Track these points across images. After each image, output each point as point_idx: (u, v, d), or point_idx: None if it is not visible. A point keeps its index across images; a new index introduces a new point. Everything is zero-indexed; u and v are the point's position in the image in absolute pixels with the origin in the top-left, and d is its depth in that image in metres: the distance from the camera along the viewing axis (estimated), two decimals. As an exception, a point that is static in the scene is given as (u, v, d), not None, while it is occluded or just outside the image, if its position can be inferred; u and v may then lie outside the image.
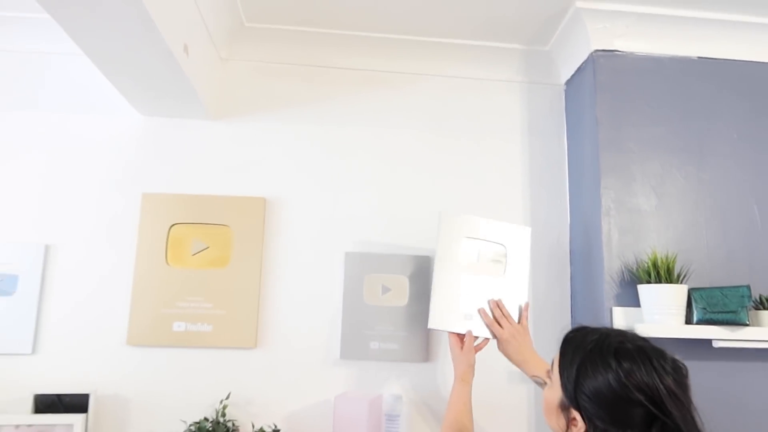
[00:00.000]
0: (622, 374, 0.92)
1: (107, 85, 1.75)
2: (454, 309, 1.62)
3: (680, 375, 0.96)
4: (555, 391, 1.03)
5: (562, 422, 1.01)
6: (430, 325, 1.61)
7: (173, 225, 1.86)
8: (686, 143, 1.81)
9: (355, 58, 2.02)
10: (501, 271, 1.67)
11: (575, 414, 0.98)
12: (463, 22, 1.90)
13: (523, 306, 1.65)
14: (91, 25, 1.39)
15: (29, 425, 1.57)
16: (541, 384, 1.19)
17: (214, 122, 1.95)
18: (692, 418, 0.93)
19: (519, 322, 1.62)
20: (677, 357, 0.98)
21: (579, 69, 1.94)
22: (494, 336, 1.59)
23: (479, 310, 1.62)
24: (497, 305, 1.62)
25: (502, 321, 1.60)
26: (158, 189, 1.89)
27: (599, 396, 0.94)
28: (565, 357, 1.02)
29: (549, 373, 1.09)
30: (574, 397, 0.98)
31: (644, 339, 1.01)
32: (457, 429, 1.42)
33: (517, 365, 1.56)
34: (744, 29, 1.83)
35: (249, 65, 2.01)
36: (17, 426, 1.57)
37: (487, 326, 1.61)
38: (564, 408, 1.00)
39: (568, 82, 2.04)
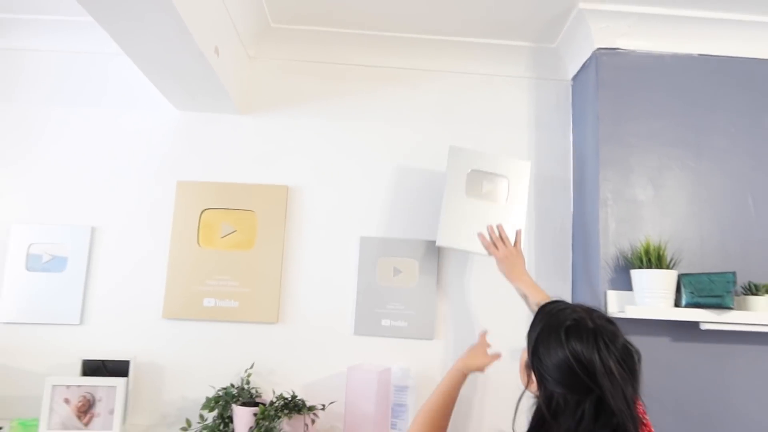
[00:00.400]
0: (567, 348, 1.04)
1: (146, 83, 1.94)
2: (461, 231, 1.85)
3: (628, 357, 1.04)
4: (525, 353, 1.17)
5: (525, 377, 1.15)
6: (439, 243, 1.85)
7: (204, 210, 2.04)
8: (684, 137, 1.90)
9: (372, 56, 2.16)
10: (503, 199, 1.89)
11: (532, 374, 1.11)
12: (474, 21, 2.01)
13: (516, 233, 1.86)
14: (134, 32, 1.56)
15: (78, 386, 1.78)
16: (527, 300, 1.67)
17: (243, 116, 2.12)
18: (624, 397, 1.00)
19: (514, 245, 1.83)
20: (630, 343, 1.06)
21: (583, 66, 2.04)
22: (491, 255, 1.82)
23: (478, 234, 1.84)
24: (495, 229, 1.85)
25: (498, 243, 1.82)
26: (191, 177, 2.07)
27: (549, 362, 1.06)
28: (533, 325, 1.15)
29: None
30: (532, 360, 1.11)
31: (608, 320, 1.10)
32: (434, 418, 1.47)
33: (510, 281, 1.77)
34: (742, 27, 1.90)
35: (274, 63, 2.17)
36: (68, 386, 1.77)
37: (485, 247, 1.83)
38: (527, 367, 1.13)
39: (575, 78, 2.14)
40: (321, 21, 2.07)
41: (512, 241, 1.84)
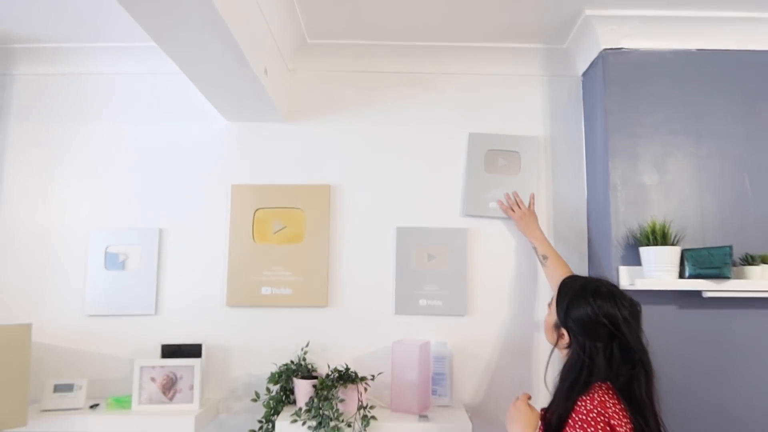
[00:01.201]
0: (594, 306, 1.39)
1: (197, 98, 2.21)
2: (483, 201, 2.29)
3: (634, 310, 1.41)
4: (552, 316, 1.50)
5: (555, 337, 1.47)
6: (466, 213, 2.29)
7: (257, 209, 2.30)
8: (685, 126, 2.10)
9: (399, 64, 2.39)
10: (516, 171, 2.30)
11: (563, 331, 1.44)
12: (491, 28, 2.22)
13: (530, 196, 2.26)
14: (197, 59, 1.80)
15: (162, 366, 2.06)
16: (534, 249, 2.13)
17: (286, 124, 2.37)
18: (638, 337, 1.37)
19: (528, 207, 2.23)
20: (634, 299, 1.42)
21: (592, 64, 2.24)
22: (510, 217, 2.25)
23: (498, 202, 2.27)
24: (511, 195, 2.26)
25: (515, 207, 2.23)
26: (244, 181, 2.33)
27: (579, 320, 1.41)
28: (560, 294, 1.49)
29: (549, 305, 1.54)
30: (564, 320, 1.44)
31: (614, 285, 1.47)
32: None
33: (527, 237, 2.18)
34: (736, 23, 2.09)
35: (312, 75, 2.41)
36: (153, 367, 2.06)
37: (504, 211, 2.25)
38: (557, 327, 1.47)
39: (584, 74, 2.35)
40: (352, 35, 2.30)
41: (527, 204, 2.25)
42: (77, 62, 2.41)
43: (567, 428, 1.34)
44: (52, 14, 2.13)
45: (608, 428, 1.28)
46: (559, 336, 1.46)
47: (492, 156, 2.32)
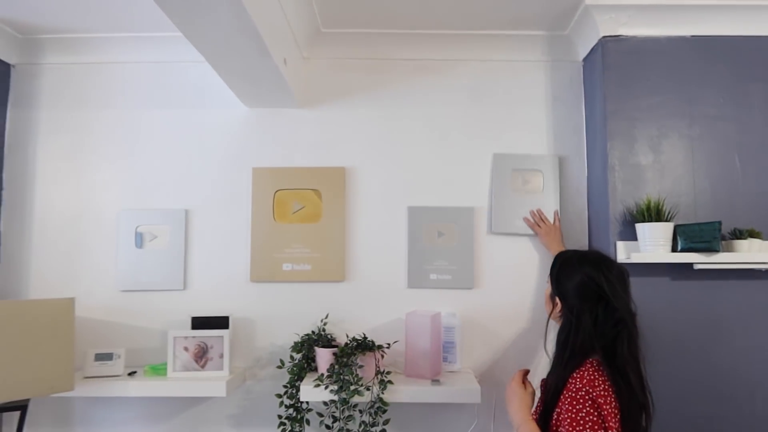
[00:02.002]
0: (581, 272, 1.55)
1: (217, 86, 2.34)
2: (510, 218, 2.42)
3: (621, 275, 1.56)
4: (548, 288, 1.65)
5: (551, 306, 1.62)
6: (494, 230, 2.42)
7: (277, 191, 2.45)
8: (679, 108, 2.23)
9: (409, 51, 2.51)
10: (539, 189, 2.42)
11: (557, 300, 1.59)
12: (496, 16, 2.34)
13: (554, 213, 2.41)
14: (222, 50, 1.92)
15: (194, 337, 2.23)
16: None
17: (302, 110, 2.50)
18: (625, 301, 1.52)
19: (553, 223, 2.39)
20: (623, 266, 1.60)
21: (592, 50, 2.37)
22: (535, 233, 2.40)
23: (524, 219, 2.41)
24: (536, 213, 2.40)
25: (540, 223, 2.38)
26: (264, 164, 2.47)
27: (569, 285, 1.56)
28: (554, 265, 1.65)
29: (548, 280, 1.68)
30: (556, 288, 1.60)
31: (602, 254, 1.64)
32: None
33: (550, 251, 2.32)
34: (727, 10, 2.20)
35: (325, 62, 2.53)
36: (186, 337, 2.22)
37: (530, 227, 2.39)
38: (552, 297, 1.61)
39: (585, 59, 2.47)
40: (364, 24, 2.42)
41: (552, 220, 2.39)
42: (102, 51, 2.54)
43: (559, 403, 1.48)
44: (78, 6, 2.26)
45: (595, 406, 1.40)
46: (554, 305, 1.61)
47: (516, 176, 2.46)
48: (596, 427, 1.38)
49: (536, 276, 2.40)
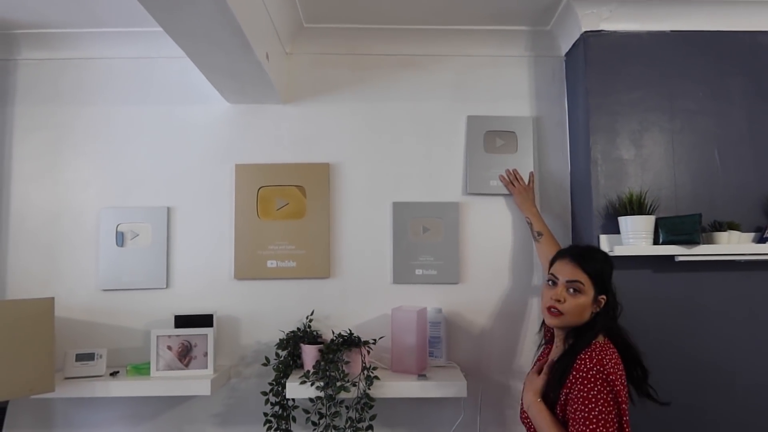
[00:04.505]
0: (610, 263, 1.70)
1: (197, 82, 2.31)
2: (484, 179, 2.45)
3: None
4: (587, 296, 1.62)
5: (591, 310, 1.63)
6: (469, 191, 2.44)
7: (261, 187, 2.43)
8: (660, 103, 2.26)
9: (392, 46, 2.50)
10: (514, 150, 2.45)
11: (601, 297, 1.63)
12: (478, 11, 2.34)
13: (529, 174, 2.43)
14: (203, 46, 1.90)
15: (177, 335, 2.20)
16: (529, 223, 2.32)
17: (285, 106, 2.48)
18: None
19: (528, 184, 2.40)
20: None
21: (574, 45, 2.38)
22: (510, 192, 2.43)
23: (499, 177, 2.44)
24: (511, 172, 2.43)
25: (515, 182, 2.41)
26: (247, 160, 2.45)
27: (611, 279, 1.66)
28: (603, 271, 1.67)
29: (578, 291, 1.66)
30: (603, 285, 1.64)
31: None
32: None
33: (523, 212, 2.37)
34: (707, 5, 2.24)
35: (308, 57, 2.52)
36: (169, 336, 2.20)
37: (505, 186, 2.43)
38: (594, 300, 1.63)
39: (567, 55, 2.48)
40: (347, 19, 2.41)
41: (526, 181, 2.41)
42: (79, 47, 2.49)
43: (568, 384, 1.53)
44: (54, 1, 2.21)
45: (607, 382, 1.47)
46: (598, 303, 1.63)
47: (490, 137, 2.47)
48: (609, 405, 1.45)
49: (521, 270, 2.41)
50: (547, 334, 1.87)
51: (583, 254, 1.67)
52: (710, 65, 2.27)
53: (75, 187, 2.44)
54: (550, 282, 1.68)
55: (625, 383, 1.55)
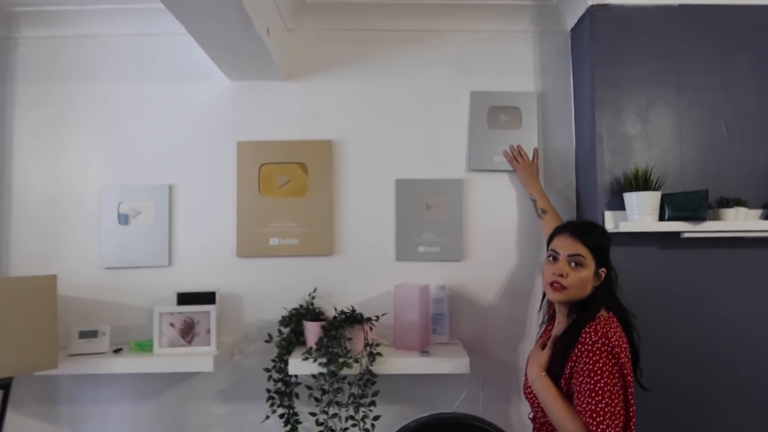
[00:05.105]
0: (608, 237, 1.70)
1: (199, 58, 2.27)
2: (488, 155, 2.42)
3: None
4: (588, 270, 1.63)
5: (591, 284, 1.63)
6: (472, 167, 2.41)
7: (263, 165, 2.41)
8: (667, 78, 2.22)
9: (396, 21, 2.46)
10: (518, 126, 2.40)
11: (601, 270, 1.65)
12: (483, -15, 2.32)
13: (533, 150, 2.40)
14: (204, 21, 1.87)
15: (180, 312, 2.20)
16: (533, 200, 2.30)
17: (287, 82, 2.45)
18: None
19: (532, 160, 2.37)
20: None
21: (580, 20, 2.34)
22: (513, 168, 2.40)
23: (503, 153, 2.41)
24: (515, 148, 2.40)
25: (519, 158, 2.38)
26: (249, 137, 2.43)
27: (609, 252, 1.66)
28: (602, 244, 1.68)
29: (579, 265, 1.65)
30: (605, 259, 1.65)
31: None
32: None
33: (527, 189, 2.34)
34: (717, -22, 2.20)
35: (310, 34, 2.48)
36: (172, 313, 2.20)
37: (508, 162, 2.39)
38: (596, 272, 1.63)
39: (573, 30, 2.44)
40: (349, -6, 2.38)
41: (530, 157, 2.38)
42: (79, 25, 2.45)
43: (573, 357, 1.54)
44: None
45: (612, 354, 1.48)
46: (599, 276, 1.65)
47: (494, 112, 2.44)
48: (614, 377, 1.46)
49: (524, 246, 2.40)
50: (549, 311, 1.86)
51: (582, 228, 1.69)
52: (718, 39, 2.23)
53: (76, 166, 2.43)
54: (550, 258, 1.68)
55: (630, 356, 1.54)
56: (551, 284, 1.64)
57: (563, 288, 1.61)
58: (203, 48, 2.09)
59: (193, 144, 2.43)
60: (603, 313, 1.60)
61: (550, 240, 1.74)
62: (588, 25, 2.25)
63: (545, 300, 1.85)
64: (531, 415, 1.78)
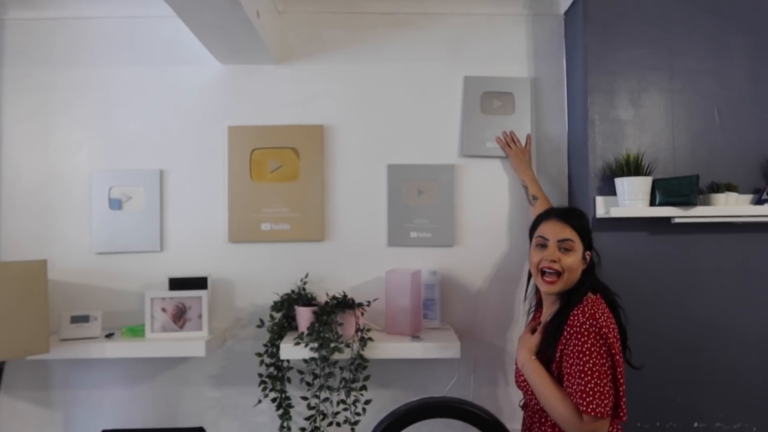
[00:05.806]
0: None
1: (188, 41, 2.26)
2: (481, 140, 2.40)
3: None
4: (577, 254, 1.65)
5: (580, 267, 1.66)
6: (465, 153, 2.40)
7: (254, 150, 2.40)
8: (660, 62, 2.21)
9: (388, 5, 2.43)
10: (511, 111, 2.39)
11: (587, 253, 1.68)
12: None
13: (526, 136, 2.39)
14: (191, 3, 1.84)
15: (171, 297, 2.20)
16: (525, 186, 2.30)
17: (278, 66, 2.43)
18: None
19: (524, 146, 2.36)
20: None
21: (573, 3, 2.32)
22: (506, 154, 2.39)
23: (496, 138, 2.39)
24: (508, 134, 2.38)
25: (511, 144, 2.37)
26: (240, 122, 2.41)
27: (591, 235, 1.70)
28: (586, 228, 1.71)
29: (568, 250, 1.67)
30: (590, 242, 1.68)
31: None
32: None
33: (519, 175, 2.33)
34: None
35: (301, 17, 2.45)
36: (163, 298, 2.20)
37: (501, 148, 2.38)
38: (583, 255, 1.66)
39: (566, 13, 2.42)
40: (340, -24, 2.35)
41: (523, 143, 2.37)
42: (67, 6, 2.42)
43: (562, 340, 1.56)
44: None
45: (600, 335, 1.49)
46: (585, 259, 1.67)
47: (487, 98, 2.42)
48: (603, 357, 1.47)
49: (515, 232, 2.40)
50: (537, 297, 1.86)
51: (567, 212, 1.72)
52: (712, 23, 2.21)
53: (67, 150, 2.41)
54: (538, 245, 1.68)
55: (618, 336, 1.55)
56: (543, 274, 1.65)
57: (558, 277, 1.63)
58: (192, 31, 2.06)
59: (184, 128, 2.42)
60: (590, 295, 1.61)
61: (533, 228, 1.75)
62: (581, 8, 2.23)
63: (530, 287, 1.86)
64: (522, 403, 1.79)
